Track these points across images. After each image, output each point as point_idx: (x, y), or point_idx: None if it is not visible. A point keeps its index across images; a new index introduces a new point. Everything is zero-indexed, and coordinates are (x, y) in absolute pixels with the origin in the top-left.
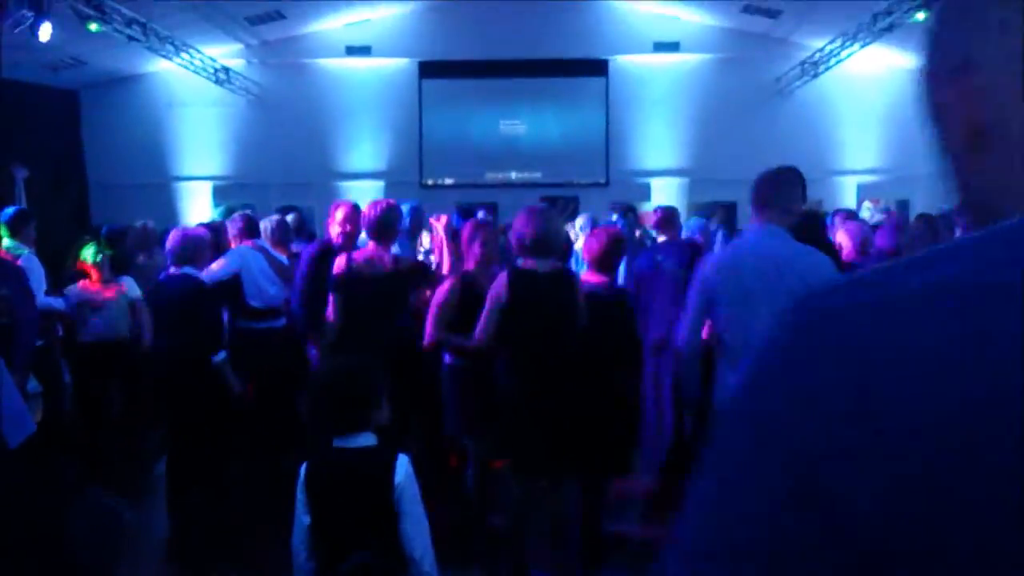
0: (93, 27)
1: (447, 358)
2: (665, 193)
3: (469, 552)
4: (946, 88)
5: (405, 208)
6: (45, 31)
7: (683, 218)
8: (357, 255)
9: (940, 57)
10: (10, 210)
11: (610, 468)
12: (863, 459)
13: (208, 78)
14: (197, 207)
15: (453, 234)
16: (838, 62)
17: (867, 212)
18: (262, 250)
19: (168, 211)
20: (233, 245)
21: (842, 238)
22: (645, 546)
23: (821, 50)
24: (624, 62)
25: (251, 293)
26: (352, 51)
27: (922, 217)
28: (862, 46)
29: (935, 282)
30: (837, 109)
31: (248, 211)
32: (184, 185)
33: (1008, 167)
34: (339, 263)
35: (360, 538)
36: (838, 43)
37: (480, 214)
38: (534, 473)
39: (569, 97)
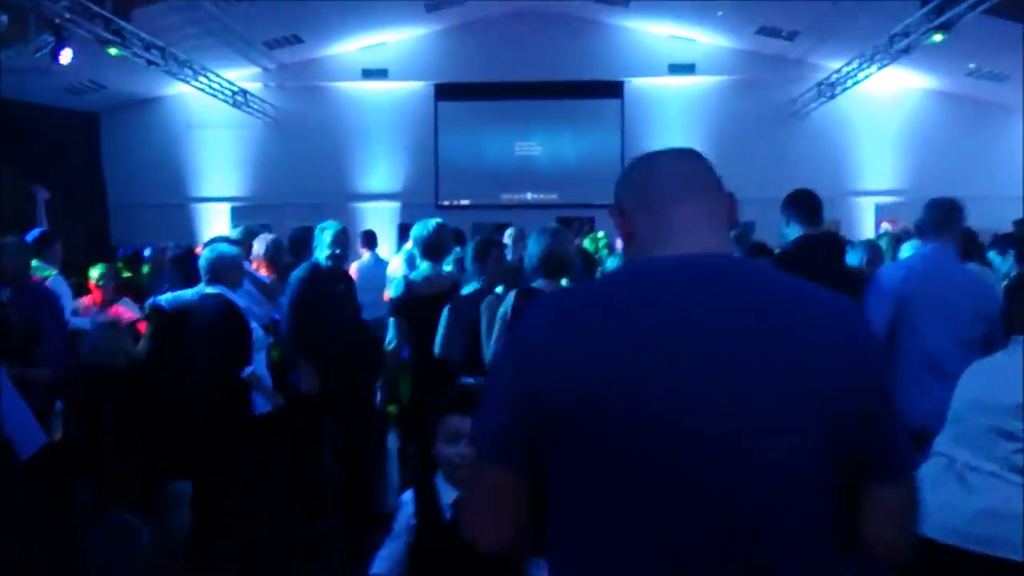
0: (113, 51)
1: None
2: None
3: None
4: None
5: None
6: (66, 55)
7: None
8: (415, 277)
9: None
10: (35, 232)
11: None
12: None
13: (226, 101)
14: (215, 227)
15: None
16: (855, 83)
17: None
18: (246, 272)
19: (187, 231)
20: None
21: None
22: None
23: (838, 71)
24: (640, 84)
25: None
26: (368, 74)
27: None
28: (879, 68)
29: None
30: (854, 130)
31: (242, 230)
32: (203, 206)
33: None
34: (396, 287)
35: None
36: (855, 64)
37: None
38: None
39: (584, 119)
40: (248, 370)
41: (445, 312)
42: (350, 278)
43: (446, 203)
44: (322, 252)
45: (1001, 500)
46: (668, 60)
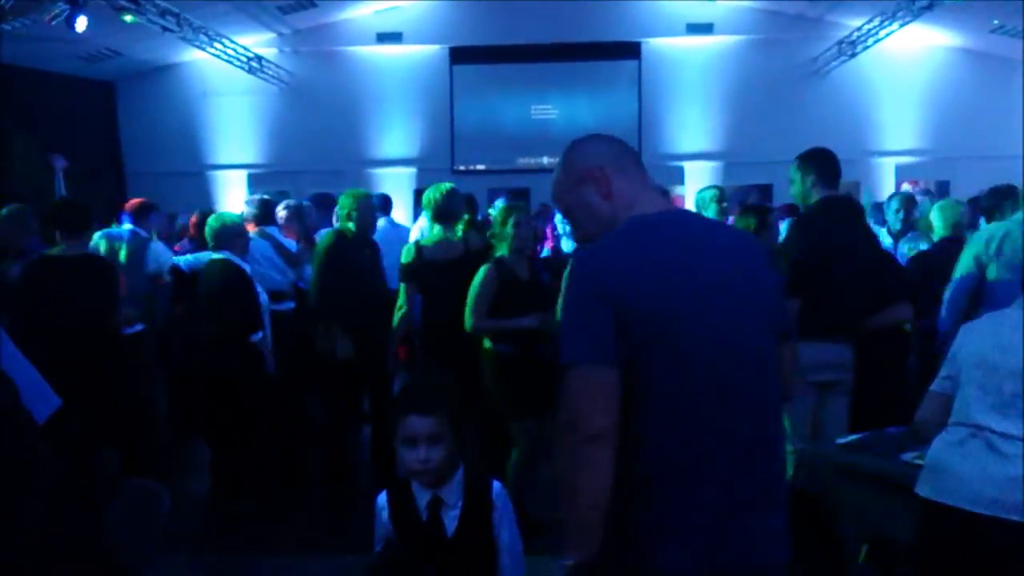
0: (128, 18)
1: (487, 343)
2: (699, 176)
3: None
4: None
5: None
6: (81, 23)
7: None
8: (427, 242)
9: None
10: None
11: None
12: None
13: (241, 67)
14: (232, 195)
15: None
16: (876, 41)
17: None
18: (270, 237)
19: (204, 199)
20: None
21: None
22: None
23: (859, 29)
24: (657, 45)
25: (255, 277)
26: (383, 38)
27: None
28: (901, 25)
29: (623, 233)
30: (875, 89)
31: (264, 197)
32: (219, 173)
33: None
34: (407, 252)
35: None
36: (876, 22)
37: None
38: None
39: (601, 81)
40: (258, 335)
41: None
42: (375, 244)
43: (462, 168)
44: (347, 218)
45: None
46: (686, 20)
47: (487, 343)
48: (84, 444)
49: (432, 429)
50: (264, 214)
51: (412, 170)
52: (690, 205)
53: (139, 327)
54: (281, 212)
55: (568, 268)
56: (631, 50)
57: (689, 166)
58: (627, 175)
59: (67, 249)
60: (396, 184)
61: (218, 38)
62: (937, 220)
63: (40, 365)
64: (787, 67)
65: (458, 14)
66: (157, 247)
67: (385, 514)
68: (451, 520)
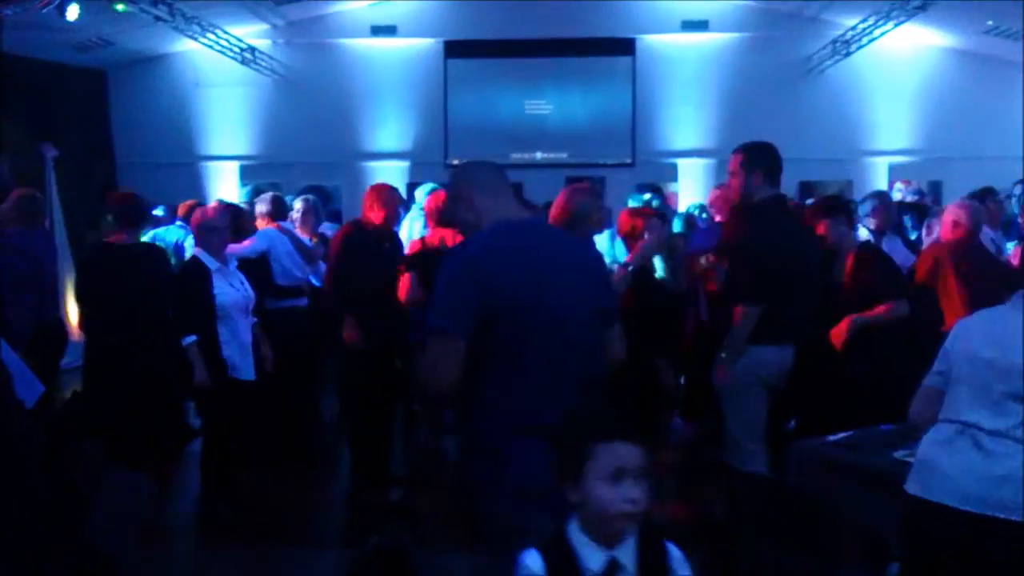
0: (120, 7)
1: None
2: (692, 174)
3: None
4: None
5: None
6: (72, 11)
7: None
8: (429, 237)
9: None
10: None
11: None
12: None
13: (234, 58)
14: (224, 186)
15: None
16: (870, 41)
17: (898, 193)
18: (288, 233)
19: (196, 190)
20: (261, 225)
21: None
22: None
23: (853, 28)
24: (651, 41)
25: (278, 272)
26: (377, 31)
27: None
28: (895, 25)
29: (493, 232)
30: (869, 89)
31: (276, 193)
32: (211, 165)
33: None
34: (412, 243)
35: None
36: (871, 21)
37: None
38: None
39: (595, 77)
40: (190, 339)
41: None
42: (396, 237)
43: (455, 162)
44: (369, 209)
45: (1020, 464)
46: (681, 17)
47: None
48: (68, 432)
49: (641, 461)
50: (280, 209)
51: (405, 164)
52: (684, 202)
53: None
54: (297, 206)
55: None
56: (626, 46)
57: (682, 163)
58: (492, 193)
59: (127, 238)
60: (389, 177)
61: (211, 28)
62: None
63: (100, 346)
64: (781, 65)
65: (453, 8)
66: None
67: None
68: None
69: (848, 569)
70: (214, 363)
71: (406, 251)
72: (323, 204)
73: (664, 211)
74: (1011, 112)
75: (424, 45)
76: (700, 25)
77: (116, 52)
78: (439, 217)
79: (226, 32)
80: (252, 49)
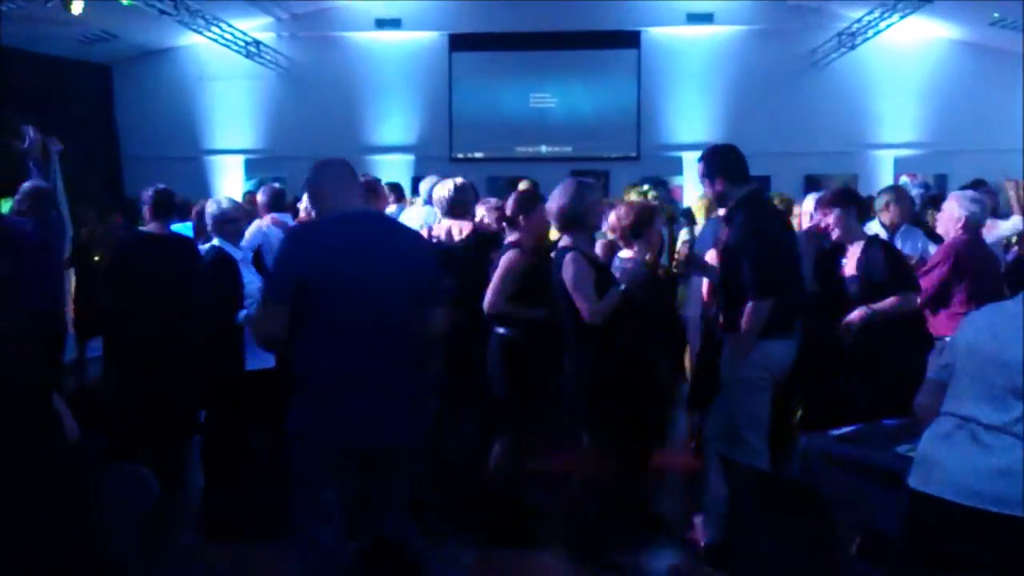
0: (125, 1)
1: (500, 329)
2: (697, 167)
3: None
4: None
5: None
6: (77, 5)
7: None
8: (440, 229)
9: None
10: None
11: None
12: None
13: (239, 52)
14: (229, 180)
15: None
16: (876, 33)
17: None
18: (283, 224)
19: (200, 184)
20: (260, 216)
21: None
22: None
23: (859, 20)
24: (657, 34)
25: (271, 265)
26: (382, 24)
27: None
28: (901, 17)
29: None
30: (874, 81)
31: (276, 184)
32: (216, 158)
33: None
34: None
35: None
36: (876, 14)
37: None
38: (623, 445)
39: (600, 70)
40: (242, 314)
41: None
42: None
43: (460, 156)
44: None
45: (1017, 459)
46: (686, 9)
47: (500, 330)
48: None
49: None
50: (277, 201)
51: (410, 157)
52: (691, 196)
53: None
54: (305, 199)
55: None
56: (631, 39)
57: (687, 156)
58: (343, 188)
59: (156, 228)
60: (394, 171)
61: (216, 22)
62: None
63: (132, 330)
64: (786, 58)
65: (457, 1)
66: None
67: None
68: None
69: (852, 563)
70: (234, 354)
71: None
72: None
73: (670, 206)
74: (1017, 104)
75: (429, 38)
76: (705, 18)
77: (121, 46)
78: (449, 208)
79: (230, 25)
80: (256, 43)
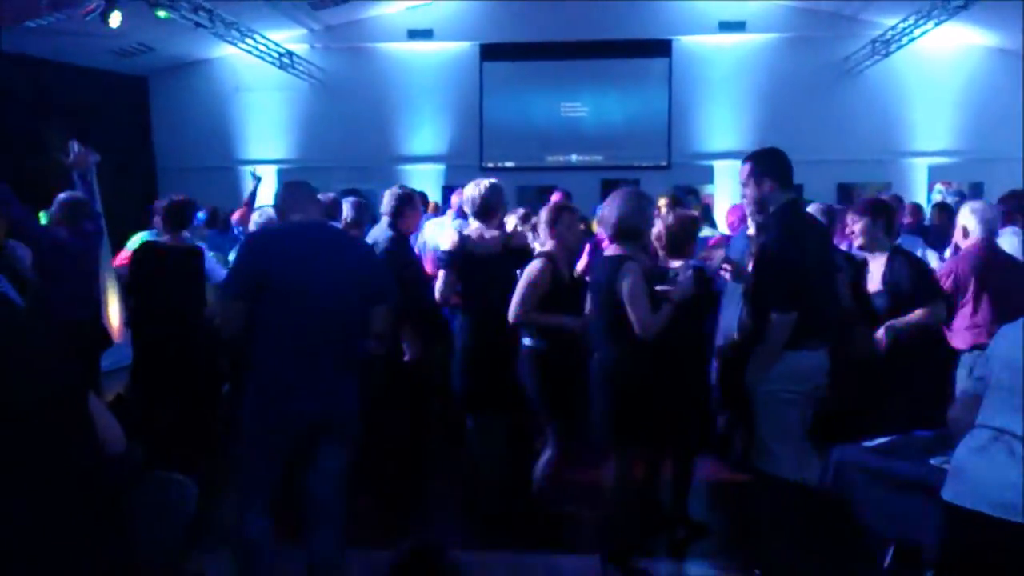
0: (161, 14)
1: (527, 340)
2: (728, 176)
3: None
4: None
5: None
6: (115, 18)
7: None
8: (469, 233)
9: None
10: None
11: (696, 446)
12: (259, 254)
13: (272, 63)
14: (263, 190)
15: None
16: (911, 40)
17: (938, 195)
18: None
19: (234, 194)
20: None
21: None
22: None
23: (893, 28)
24: (688, 42)
25: None
26: (414, 35)
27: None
28: (936, 24)
29: (284, 226)
30: (908, 89)
31: (331, 194)
32: (250, 169)
33: None
34: (452, 240)
35: None
36: (911, 21)
37: (556, 195)
38: (654, 450)
39: (632, 79)
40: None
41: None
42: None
43: (490, 165)
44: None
45: None
46: (718, 18)
47: (527, 341)
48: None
49: None
50: (328, 211)
51: (441, 167)
52: (721, 205)
53: None
54: (348, 210)
55: None
56: (662, 48)
57: (718, 165)
58: (294, 202)
59: (171, 240)
60: (425, 181)
61: (250, 34)
62: None
63: (145, 339)
64: (819, 66)
65: (489, 11)
66: None
67: None
68: None
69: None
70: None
71: (448, 247)
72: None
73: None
74: None
75: (460, 48)
76: (737, 26)
77: (157, 58)
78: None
79: (264, 37)
80: (290, 54)
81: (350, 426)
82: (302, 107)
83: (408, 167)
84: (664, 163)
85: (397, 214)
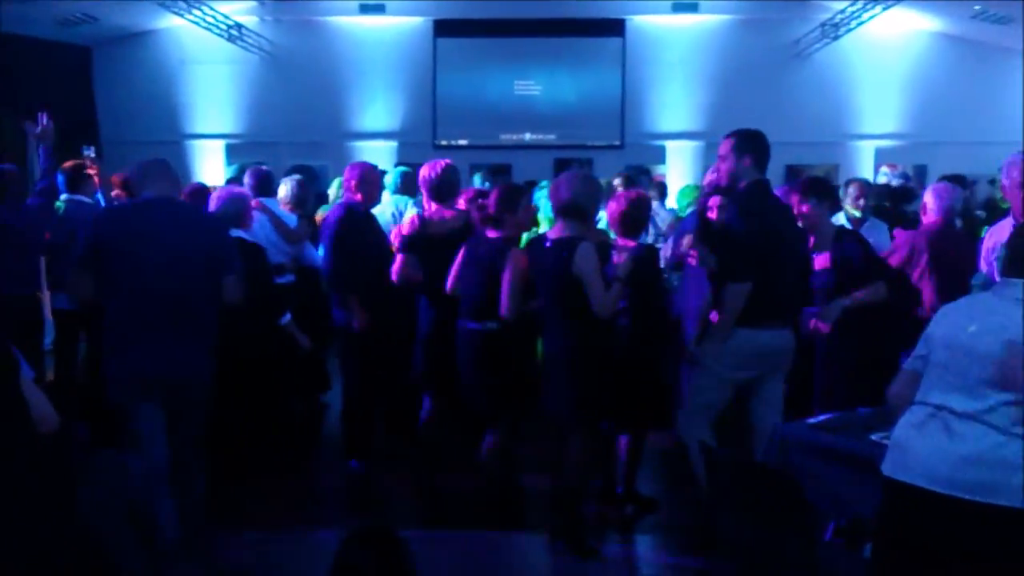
0: None
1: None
2: (680, 156)
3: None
4: None
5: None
6: None
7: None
8: (428, 214)
9: None
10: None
11: (649, 423)
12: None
13: (221, 35)
14: (210, 165)
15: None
16: (859, 24)
17: (884, 177)
18: (268, 211)
19: (181, 169)
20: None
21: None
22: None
23: (842, 11)
24: (641, 22)
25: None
26: (366, 9)
27: None
28: (884, 8)
29: (134, 201)
30: (856, 72)
31: (264, 167)
32: (197, 143)
33: None
34: (410, 222)
35: None
36: (859, 5)
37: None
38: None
39: (585, 58)
40: (287, 317)
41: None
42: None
43: (444, 143)
44: (354, 190)
45: (988, 447)
46: None
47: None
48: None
49: None
50: (264, 185)
51: (393, 144)
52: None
53: None
54: (285, 185)
55: None
56: (616, 27)
57: (671, 145)
58: (151, 177)
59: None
60: (377, 158)
61: (197, 4)
62: None
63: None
64: (770, 48)
65: None
66: None
67: None
68: None
69: (825, 548)
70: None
71: (403, 230)
72: (310, 184)
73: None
74: (998, 97)
75: (413, 23)
76: (690, 7)
77: (101, 28)
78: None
79: (212, 8)
80: (239, 26)
81: (199, 390)
82: (251, 81)
83: (360, 143)
84: (617, 143)
85: (354, 189)
